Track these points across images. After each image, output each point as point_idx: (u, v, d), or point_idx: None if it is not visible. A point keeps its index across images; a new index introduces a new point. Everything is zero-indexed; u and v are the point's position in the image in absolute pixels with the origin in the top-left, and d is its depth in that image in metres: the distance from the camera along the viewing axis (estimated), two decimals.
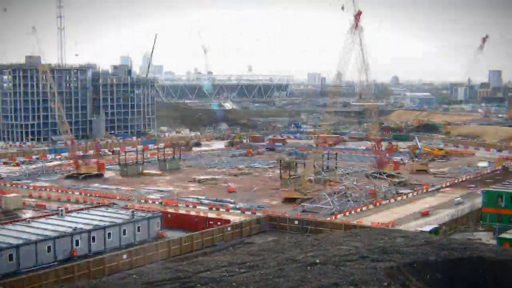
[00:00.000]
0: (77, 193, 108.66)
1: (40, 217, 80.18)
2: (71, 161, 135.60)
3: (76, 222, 74.47)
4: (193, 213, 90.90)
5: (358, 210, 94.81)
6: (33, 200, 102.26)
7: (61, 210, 79.62)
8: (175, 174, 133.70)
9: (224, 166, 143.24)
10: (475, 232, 78.65)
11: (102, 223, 74.45)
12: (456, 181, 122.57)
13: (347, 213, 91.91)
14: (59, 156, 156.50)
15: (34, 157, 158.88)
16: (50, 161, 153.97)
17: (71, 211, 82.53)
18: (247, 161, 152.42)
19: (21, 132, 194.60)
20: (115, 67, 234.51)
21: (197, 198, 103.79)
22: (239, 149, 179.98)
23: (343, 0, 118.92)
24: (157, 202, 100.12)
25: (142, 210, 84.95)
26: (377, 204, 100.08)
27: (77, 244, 69.76)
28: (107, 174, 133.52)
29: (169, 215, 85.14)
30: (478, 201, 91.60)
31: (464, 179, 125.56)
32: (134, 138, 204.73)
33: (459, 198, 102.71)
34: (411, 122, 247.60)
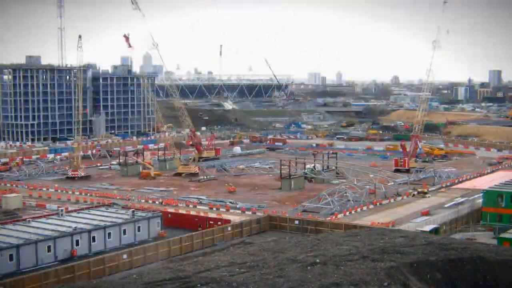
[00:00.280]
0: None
1: (40, 217, 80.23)
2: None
3: (76, 222, 74.51)
4: (193, 213, 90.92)
5: (358, 210, 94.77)
6: (33, 200, 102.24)
7: (61, 210, 79.64)
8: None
9: (224, 166, 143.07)
10: (475, 232, 78.58)
11: (102, 223, 74.50)
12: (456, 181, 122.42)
13: (347, 213, 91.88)
14: (59, 156, 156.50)
15: (34, 157, 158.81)
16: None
17: (71, 211, 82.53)
18: (247, 161, 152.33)
19: (21, 132, 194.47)
20: (115, 67, 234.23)
21: (197, 198, 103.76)
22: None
23: None
24: (157, 202, 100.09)
25: (142, 210, 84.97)
26: (377, 204, 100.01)
27: (77, 244, 69.77)
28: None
29: (169, 215, 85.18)
30: (479, 201, 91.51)
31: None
32: (134, 138, 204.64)
33: (459, 198, 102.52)
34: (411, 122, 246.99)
